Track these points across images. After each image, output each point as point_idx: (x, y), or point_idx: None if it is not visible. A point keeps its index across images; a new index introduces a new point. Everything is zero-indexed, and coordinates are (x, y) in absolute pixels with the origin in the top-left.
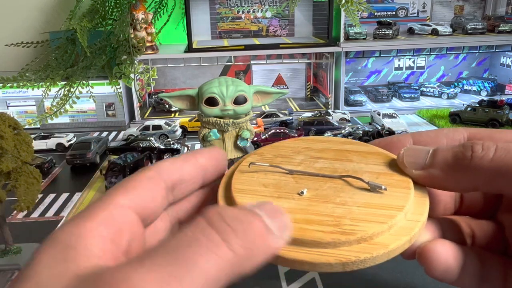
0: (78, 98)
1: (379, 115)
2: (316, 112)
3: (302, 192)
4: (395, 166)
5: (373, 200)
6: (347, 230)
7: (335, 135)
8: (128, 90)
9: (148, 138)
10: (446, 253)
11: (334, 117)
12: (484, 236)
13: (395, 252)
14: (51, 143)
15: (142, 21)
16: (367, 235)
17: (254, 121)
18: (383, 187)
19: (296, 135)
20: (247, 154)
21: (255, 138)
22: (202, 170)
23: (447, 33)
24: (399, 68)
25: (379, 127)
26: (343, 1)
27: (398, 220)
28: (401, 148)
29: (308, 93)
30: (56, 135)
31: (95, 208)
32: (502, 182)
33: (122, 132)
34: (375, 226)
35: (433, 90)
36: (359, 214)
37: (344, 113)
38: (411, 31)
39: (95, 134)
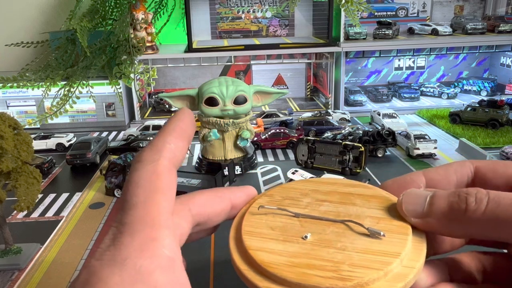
0: (78, 98)
1: (379, 115)
2: (316, 112)
3: (306, 237)
4: (395, 210)
5: (371, 246)
6: (345, 276)
7: (335, 135)
8: (128, 90)
9: (148, 138)
10: None
11: (334, 117)
12: (495, 270)
13: None
14: (51, 143)
15: (142, 21)
16: (363, 281)
17: (254, 121)
18: (381, 233)
19: (296, 135)
20: (258, 195)
21: (255, 138)
22: (231, 209)
23: (447, 33)
24: (399, 68)
25: (379, 127)
26: (343, 1)
27: (394, 266)
28: (416, 187)
29: (308, 93)
30: (56, 135)
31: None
32: (493, 232)
33: (122, 132)
34: (371, 273)
35: (433, 90)
36: (357, 260)
37: (344, 113)
38: (411, 31)
39: (95, 134)
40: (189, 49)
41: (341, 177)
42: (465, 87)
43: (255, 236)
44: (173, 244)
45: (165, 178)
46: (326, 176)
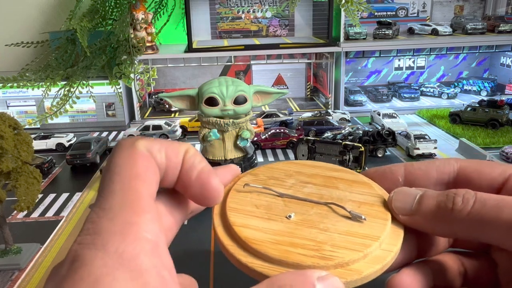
0: (78, 98)
1: (379, 115)
2: (316, 112)
3: (290, 216)
4: (376, 196)
5: (353, 229)
6: (327, 255)
7: (335, 135)
8: (128, 90)
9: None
10: None
11: (334, 117)
12: (477, 273)
13: (368, 278)
14: (51, 143)
15: (142, 21)
16: (344, 261)
17: (254, 121)
18: (363, 217)
19: (296, 135)
20: (243, 174)
21: (255, 138)
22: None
23: (447, 33)
24: (399, 68)
25: (379, 127)
26: (343, 1)
27: (373, 249)
28: (394, 179)
29: (308, 93)
30: (56, 135)
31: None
32: (478, 232)
33: (122, 132)
34: (351, 254)
35: (433, 90)
36: (339, 241)
37: (344, 113)
38: (411, 31)
39: (95, 134)
40: (189, 49)
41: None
42: (465, 87)
43: (240, 213)
44: (155, 228)
45: (142, 163)
46: None
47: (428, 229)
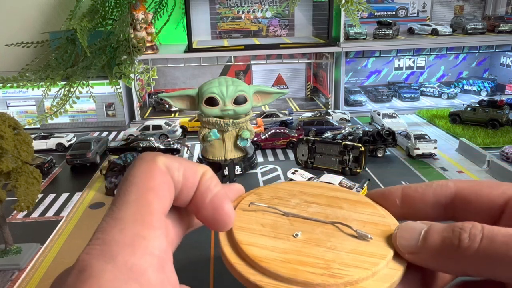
0: (78, 98)
1: (379, 115)
2: (316, 112)
3: (297, 235)
4: (380, 216)
5: (360, 247)
6: (336, 273)
7: (335, 135)
8: (128, 90)
9: (148, 138)
10: None
11: (334, 117)
12: None
13: None
14: (51, 143)
15: (142, 21)
16: (353, 279)
17: (254, 121)
18: (369, 236)
19: (296, 135)
20: (247, 193)
21: (255, 138)
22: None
23: (447, 33)
24: (399, 68)
25: (379, 127)
26: (343, 1)
27: (381, 267)
28: (392, 201)
29: (308, 93)
30: (56, 135)
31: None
32: (488, 270)
33: (122, 132)
34: (360, 272)
35: (433, 90)
36: (347, 259)
37: (344, 113)
38: (411, 31)
39: (95, 134)
40: (189, 49)
41: (341, 177)
42: (465, 87)
43: (246, 232)
44: (163, 245)
45: (159, 178)
46: (326, 176)
47: (435, 267)
